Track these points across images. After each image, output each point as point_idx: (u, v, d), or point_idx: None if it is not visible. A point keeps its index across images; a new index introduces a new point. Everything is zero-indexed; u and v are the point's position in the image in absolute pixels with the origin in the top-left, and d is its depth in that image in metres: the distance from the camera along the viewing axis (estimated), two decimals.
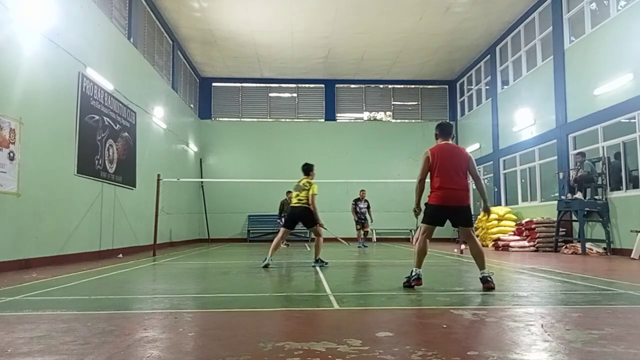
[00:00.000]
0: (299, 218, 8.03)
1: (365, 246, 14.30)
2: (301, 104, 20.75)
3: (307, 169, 8.15)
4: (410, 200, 5.53)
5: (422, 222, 5.12)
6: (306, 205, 7.85)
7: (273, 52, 17.34)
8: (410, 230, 18.76)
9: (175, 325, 3.19)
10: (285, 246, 14.18)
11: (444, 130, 5.34)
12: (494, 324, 3.17)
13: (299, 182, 8.12)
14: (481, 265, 4.91)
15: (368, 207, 14.60)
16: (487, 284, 4.77)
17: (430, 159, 5.09)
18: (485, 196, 5.21)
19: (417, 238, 5.19)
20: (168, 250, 12.85)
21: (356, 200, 14.64)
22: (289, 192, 14.52)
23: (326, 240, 8.54)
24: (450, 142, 5.28)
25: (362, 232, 14.54)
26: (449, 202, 4.95)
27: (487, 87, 17.67)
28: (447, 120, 20.73)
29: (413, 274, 4.92)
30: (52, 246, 8.04)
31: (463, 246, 10.53)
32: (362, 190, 14.82)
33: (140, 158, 12.16)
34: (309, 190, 7.89)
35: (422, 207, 5.17)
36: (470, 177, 5.18)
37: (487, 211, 5.28)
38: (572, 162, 11.97)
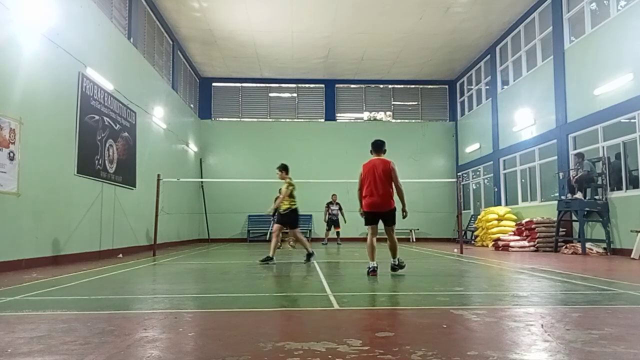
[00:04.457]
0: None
1: (339, 244, 15.97)
2: (301, 104, 20.74)
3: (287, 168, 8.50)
4: (410, 201, 6.67)
5: (365, 224, 6.35)
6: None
7: (273, 52, 17.35)
8: (411, 230, 18.79)
9: (175, 325, 3.19)
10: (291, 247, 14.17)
11: (374, 147, 6.53)
12: (494, 324, 3.17)
13: (292, 182, 8.31)
14: (393, 255, 6.36)
15: (340, 209, 15.88)
16: (394, 270, 6.28)
17: (362, 173, 6.35)
18: (403, 201, 6.32)
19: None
20: (168, 250, 12.85)
21: (328, 204, 15.90)
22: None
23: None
24: (381, 156, 6.43)
25: (330, 232, 16.06)
26: (375, 209, 6.22)
27: (487, 87, 17.67)
28: (448, 120, 20.78)
29: (370, 266, 6.11)
30: (52, 246, 8.04)
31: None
32: (334, 194, 16.00)
33: (140, 158, 12.16)
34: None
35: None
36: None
37: (404, 214, 6.36)
38: (572, 163, 11.98)
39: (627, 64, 10.09)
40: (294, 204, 8.29)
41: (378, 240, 6.36)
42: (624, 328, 3.01)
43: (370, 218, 6.28)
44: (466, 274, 6.65)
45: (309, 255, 8.24)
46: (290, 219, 8.29)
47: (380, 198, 6.15)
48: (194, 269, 7.79)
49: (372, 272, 6.06)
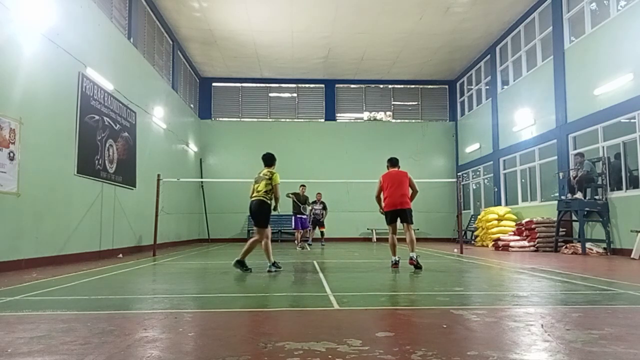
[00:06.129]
0: (254, 213, 7.01)
1: (322, 244, 15.17)
2: (301, 104, 20.74)
3: (271, 159, 7.29)
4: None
5: (387, 224, 7.56)
6: (262, 198, 6.92)
7: (273, 52, 17.34)
8: None
9: (175, 325, 3.19)
10: (300, 248, 13.37)
11: (392, 163, 7.93)
12: (494, 324, 3.17)
13: (259, 173, 7.18)
14: (412, 249, 7.16)
15: (324, 209, 15.18)
16: (411, 261, 6.96)
17: (382, 182, 7.73)
18: (413, 198, 7.64)
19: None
20: (168, 250, 12.85)
21: (312, 203, 14.98)
22: (302, 186, 14.20)
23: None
24: (396, 168, 7.84)
25: (315, 232, 15.24)
26: (394, 207, 7.46)
27: (487, 87, 17.67)
28: (448, 120, 20.78)
29: (392, 260, 7.39)
30: (52, 246, 8.04)
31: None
32: (318, 193, 15.27)
33: (140, 158, 12.16)
34: (270, 180, 6.96)
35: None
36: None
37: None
38: (572, 162, 11.97)
39: (627, 64, 10.09)
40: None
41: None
42: (624, 328, 3.01)
43: (390, 217, 7.48)
44: (466, 274, 6.65)
45: (239, 262, 6.84)
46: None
47: (398, 199, 7.44)
48: (194, 269, 7.79)
49: (395, 265, 7.30)
